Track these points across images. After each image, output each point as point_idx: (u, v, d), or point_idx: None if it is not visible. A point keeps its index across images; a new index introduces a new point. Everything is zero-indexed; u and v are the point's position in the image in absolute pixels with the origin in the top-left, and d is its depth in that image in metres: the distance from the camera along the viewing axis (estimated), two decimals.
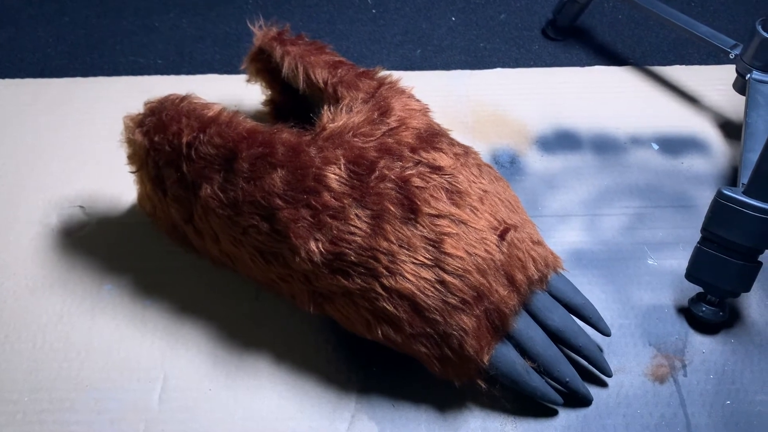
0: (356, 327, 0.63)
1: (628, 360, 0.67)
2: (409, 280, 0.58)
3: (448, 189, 0.61)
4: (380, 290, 0.59)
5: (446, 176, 0.62)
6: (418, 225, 0.60)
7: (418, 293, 0.58)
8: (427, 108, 0.71)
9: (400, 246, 0.59)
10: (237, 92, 0.89)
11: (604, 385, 0.65)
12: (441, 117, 0.73)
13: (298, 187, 0.61)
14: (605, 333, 0.65)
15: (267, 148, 0.62)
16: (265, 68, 0.79)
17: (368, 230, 0.60)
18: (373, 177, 0.61)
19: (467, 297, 0.58)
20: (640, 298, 0.71)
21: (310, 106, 0.76)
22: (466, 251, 0.59)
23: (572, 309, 0.64)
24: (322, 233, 0.60)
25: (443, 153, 0.64)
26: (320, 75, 0.72)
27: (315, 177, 0.61)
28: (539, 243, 0.64)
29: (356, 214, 0.60)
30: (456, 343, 0.59)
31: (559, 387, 0.63)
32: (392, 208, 0.60)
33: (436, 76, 0.94)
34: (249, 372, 0.66)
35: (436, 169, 0.62)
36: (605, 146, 0.84)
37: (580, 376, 0.63)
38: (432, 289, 0.58)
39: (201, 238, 0.68)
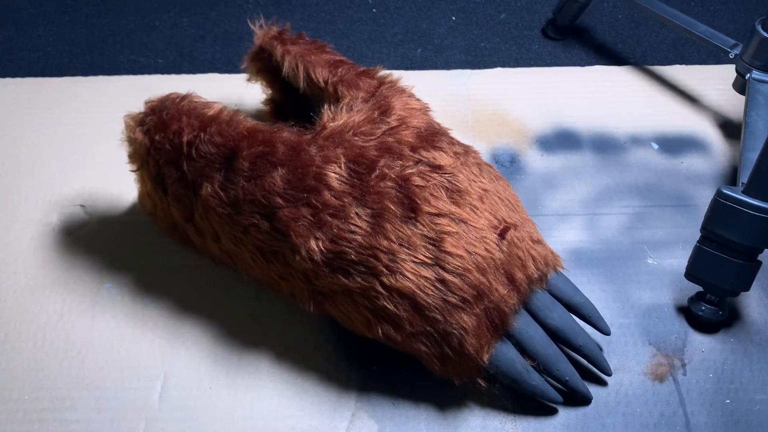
0: (356, 326, 0.63)
1: (627, 359, 0.67)
2: (409, 278, 0.58)
3: (448, 188, 0.61)
4: (380, 289, 0.59)
5: (446, 175, 0.62)
6: (418, 224, 0.60)
7: (418, 292, 0.58)
8: (428, 107, 0.71)
9: (401, 245, 0.59)
10: (237, 91, 0.89)
11: (603, 383, 0.65)
12: (441, 116, 0.73)
13: (298, 185, 0.61)
14: (605, 332, 0.65)
15: (267, 146, 0.63)
16: (265, 67, 0.79)
17: (368, 229, 0.60)
18: (373, 176, 0.61)
19: (467, 296, 0.59)
20: (640, 297, 0.71)
21: (311, 105, 0.76)
22: (466, 250, 0.59)
23: (572, 308, 0.64)
24: (323, 232, 0.60)
25: (443, 152, 0.64)
26: (321, 74, 0.72)
27: (315, 176, 0.61)
28: (539, 242, 0.64)
29: (356, 213, 0.60)
30: (456, 341, 0.59)
31: (559, 386, 0.63)
32: (392, 207, 0.60)
33: (437, 75, 0.94)
34: (249, 371, 0.66)
35: (437, 168, 0.62)
36: (605, 146, 0.84)
37: (579, 375, 0.63)
38: (432, 287, 0.58)
39: (201, 237, 0.68)
